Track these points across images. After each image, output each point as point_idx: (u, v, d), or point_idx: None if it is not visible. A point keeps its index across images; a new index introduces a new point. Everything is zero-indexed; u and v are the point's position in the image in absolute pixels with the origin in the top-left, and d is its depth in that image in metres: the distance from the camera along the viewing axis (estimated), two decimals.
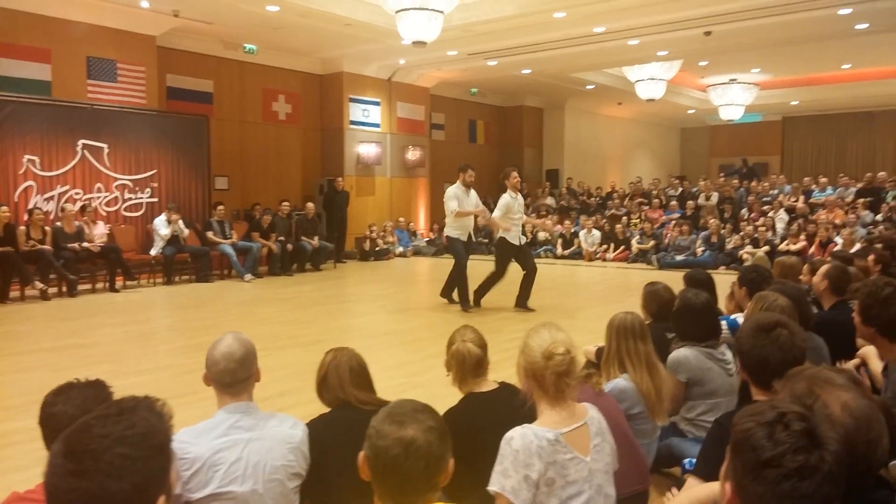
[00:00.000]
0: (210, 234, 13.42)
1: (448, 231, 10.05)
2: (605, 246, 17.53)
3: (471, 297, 9.76)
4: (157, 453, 1.40)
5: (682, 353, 3.88)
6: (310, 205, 15.49)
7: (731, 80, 21.85)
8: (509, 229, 9.50)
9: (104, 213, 12.71)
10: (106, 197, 12.79)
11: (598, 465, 2.46)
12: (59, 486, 1.33)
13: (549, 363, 2.42)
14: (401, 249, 17.94)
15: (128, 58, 13.14)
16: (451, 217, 9.81)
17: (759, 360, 2.53)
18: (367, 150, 17.73)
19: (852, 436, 1.64)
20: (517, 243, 9.57)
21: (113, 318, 9.59)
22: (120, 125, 12.90)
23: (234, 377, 2.58)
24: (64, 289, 11.08)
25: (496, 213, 9.56)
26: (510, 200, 9.52)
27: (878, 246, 8.74)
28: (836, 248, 12.57)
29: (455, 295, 9.94)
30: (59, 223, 11.40)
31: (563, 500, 2.36)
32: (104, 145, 12.68)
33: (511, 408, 2.64)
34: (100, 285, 11.73)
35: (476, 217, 10.33)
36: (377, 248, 17.29)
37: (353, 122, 17.59)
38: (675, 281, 5.29)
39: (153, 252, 12.61)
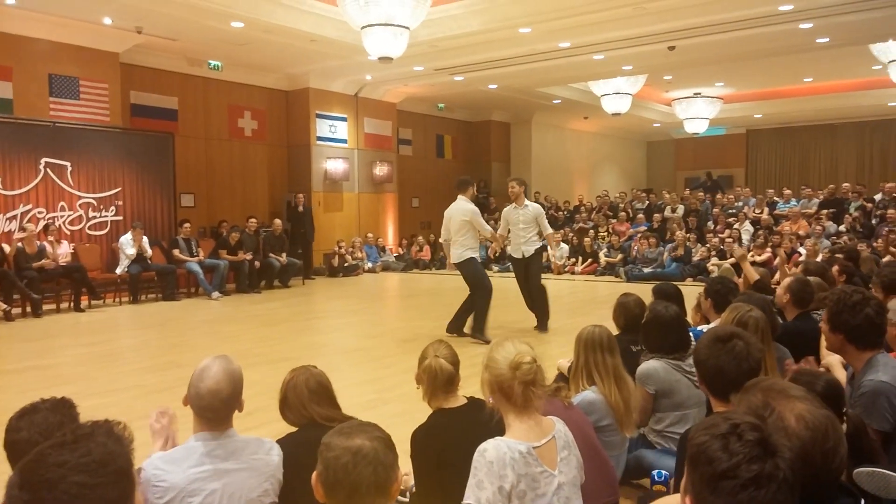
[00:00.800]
0: (176, 252, 13.28)
1: (464, 252, 8.82)
2: (573, 259, 17.62)
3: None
4: (117, 480, 1.38)
5: (650, 365, 3.90)
6: (277, 221, 15.44)
7: (695, 93, 22.16)
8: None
9: (68, 232, 12.52)
10: (70, 216, 12.60)
11: (566, 478, 2.48)
12: None
13: (516, 373, 2.44)
14: (370, 265, 17.88)
15: (91, 75, 12.99)
16: (472, 238, 8.91)
17: (715, 370, 2.57)
18: (335, 166, 17.68)
19: (808, 447, 1.66)
20: (517, 256, 9.36)
21: (78, 338, 9.44)
22: (83, 143, 12.73)
23: (216, 415, 2.51)
24: (28, 309, 10.89)
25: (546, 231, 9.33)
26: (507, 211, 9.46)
27: (840, 256, 8.88)
28: (800, 259, 12.75)
29: (466, 328, 8.88)
30: (20, 244, 11.19)
31: None
32: (67, 163, 12.50)
33: (479, 422, 2.65)
34: (64, 305, 11.55)
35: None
36: (346, 264, 17.22)
37: (319, 138, 17.54)
38: (643, 293, 5.31)
39: (118, 271, 12.44)
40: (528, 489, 2.35)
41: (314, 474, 1.87)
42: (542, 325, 9.20)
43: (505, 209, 9.47)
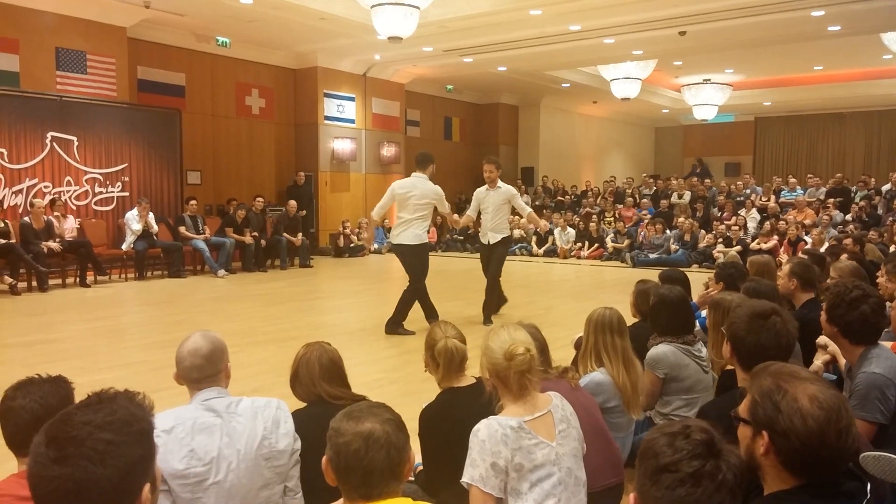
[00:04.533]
0: (182, 229, 13.28)
1: (423, 234, 8.27)
2: (579, 244, 17.61)
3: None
4: (140, 440, 1.41)
5: (660, 349, 3.91)
6: (292, 202, 15.46)
7: (704, 80, 22.03)
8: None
9: (74, 207, 12.52)
10: (76, 191, 12.60)
11: (566, 449, 2.52)
12: (42, 474, 1.33)
13: (511, 363, 2.49)
14: (376, 246, 17.88)
15: (98, 49, 12.94)
16: (427, 221, 8.30)
17: (755, 347, 2.57)
18: (342, 146, 17.65)
19: (823, 426, 1.67)
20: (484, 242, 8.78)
21: (83, 313, 9.46)
22: (90, 118, 12.70)
23: (201, 373, 2.55)
24: (34, 283, 10.91)
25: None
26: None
27: (848, 242, 8.85)
28: (805, 247, 12.72)
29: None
30: (26, 218, 11.21)
31: (534, 483, 2.41)
32: (74, 138, 12.49)
33: (487, 402, 2.66)
34: (70, 280, 11.57)
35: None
36: (352, 245, 17.22)
37: (327, 118, 17.50)
38: (649, 278, 5.31)
39: (124, 247, 12.46)
40: (524, 461, 2.40)
41: (324, 459, 1.88)
42: (486, 318, 8.55)
43: (476, 190, 8.85)
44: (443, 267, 15.48)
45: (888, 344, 3.80)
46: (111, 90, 13.16)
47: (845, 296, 3.08)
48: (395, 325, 8.01)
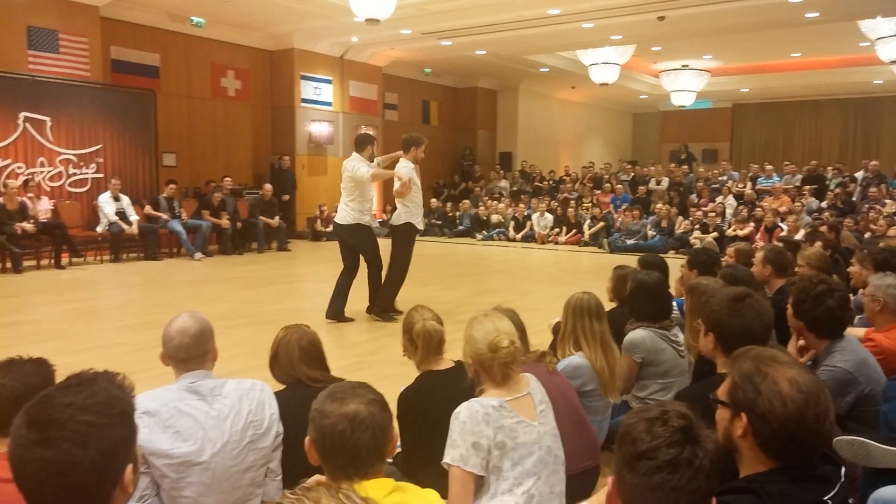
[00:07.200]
0: (148, 208, 13.12)
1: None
2: (556, 229, 17.66)
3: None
4: (122, 421, 1.41)
5: (637, 334, 3.94)
6: (267, 186, 15.35)
7: (683, 66, 22.10)
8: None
9: (48, 189, 12.35)
10: (49, 172, 12.43)
11: (546, 428, 2.57)
12: (24, 457, 1.33)
13: (495, 355, 2.51)
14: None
15: (70, 28, 12.71)
16: (361, 201, 7.74)
17: (743, 329, 2.58)
18: (319, 129, 17.53)
19: (802, 409, 1.70)
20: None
21: (59, 294, 9.37)
22: (63, 98, 12.51)
23: (188, 353, 2.54)
24: (8, 265, 10.78)
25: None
26: None
27: (824, 229, 8.94)
28: (781, 234, 12.85)
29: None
30: (0, 199, 11.05)
31: (515, 461, 2.44)
32: (47, 118, 12.29)
33: (466, 386, 2.67)
34: (45, 262, 11.44)
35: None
36: (329, 229, 17.14)
37: (304, 101, 17.36)
38: (627, 264, 5.34)
39: (99, 229, 12.32)
40: (506, 439, 2.43)
41: (307, 440, 1.88)
42: (372, 305, 7.96)
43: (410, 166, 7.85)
44: (420, 251, 15.46)
45: (861, 331, 3.86)
46: (84, 70, 12.94)
47: (810, 290, 3.11)
48: (384, 312, 7.79)
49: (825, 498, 1.72)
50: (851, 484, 2.24)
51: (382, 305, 7.87)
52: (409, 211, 7.76)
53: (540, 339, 4.71)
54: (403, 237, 7.92)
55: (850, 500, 1.87)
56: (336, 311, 7.76)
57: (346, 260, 7.91)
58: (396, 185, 7.59)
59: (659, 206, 16.57)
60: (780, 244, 6.63)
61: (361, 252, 7.85)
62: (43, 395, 1.40)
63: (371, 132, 18.46)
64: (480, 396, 2.52)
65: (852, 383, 2.99)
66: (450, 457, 2.41)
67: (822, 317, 3.09)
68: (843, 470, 1.85)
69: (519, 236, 17.84)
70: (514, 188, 21.34)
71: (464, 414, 2.43)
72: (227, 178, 14.76)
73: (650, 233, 15.93)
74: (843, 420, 2.96)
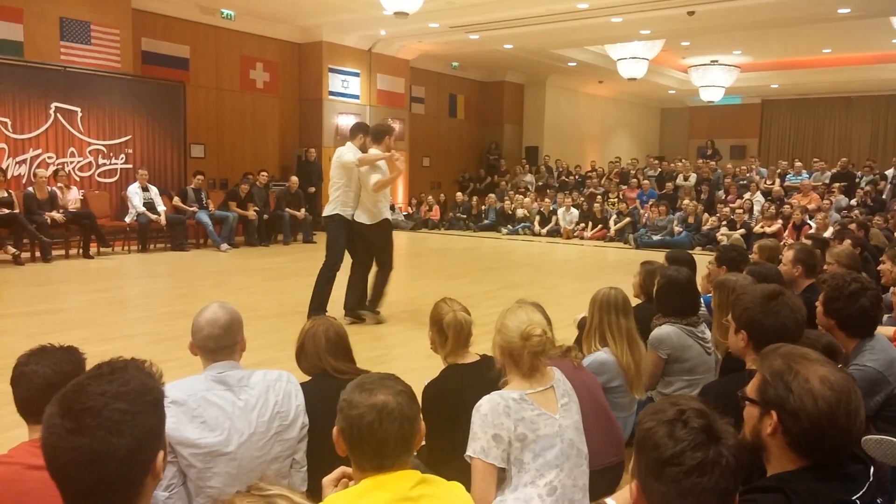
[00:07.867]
0: (176, 200, 13.29)
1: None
2: (582, 224, 17.58)
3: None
4: (153, 409, 1.43)
5: (664, 329, 3.91)
6: (293, 178, 15.42)
7: (712, 61, 21.89)
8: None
9: (77, 179, 12.50)
10: (79, 162, 12.58)
11: (568, 421, 2.55)
12: (59, 445, 1.34)
13: (526, 344, 2.50)
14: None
15: (102, 20, 12.85)
16: (347, 193, 7.34)
17: (778, 328, 2.55)
18: (346, 122, 17.54)
19: (833, 407, 1.68)
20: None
21: (87, 284, 9.48)
22: (94, 89, 12.66)
23: (218, 343, 2.55)
24: (37, 254, 10.93)
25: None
26: None
27: (853, 227, 8.81)
28: (810, 231, 12.70)
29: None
30: (30, 188, 11.20)
31: (537, 453, 2.44)
32: (77, 109, 12.45)
33: (491, 380, 2.67)
34: (73, 251, 11.58)
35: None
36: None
37: (332, 93, 17.41)
38: (654, 260, 5.30)
39: (127, 219, 12.46)
40: (527, 431, 2.43)
41: (335, 430, 1.89)
42: (349, 307, 7.51)
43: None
44: (445, 245, 15.48)
45: (890, 329, 3.81)
46: (115, 61, 13.08)
47: (844, 289, 3.07)
48: (352, 311, 7.42)
49: (853, 497, 1.71)
50: (880, 484, 2.21)
51: (350, 305, 7.47)
52: (383, 205, 7.43)
53: (565, 335, 4.68)
54: (384, 234, 7.52)
55: (879, 501, 1.84)
56: (351, 307, 7.48)
57: (350, 255, 7.67)
58: (374, 179, 7.14)
59: (686, 202, 16.46)
60: (809, 242, 6.55)
61: (326, 244, 7.53)
62: (76, 384, 1.40)
63: (395, 125, 18.55)
64: (503, 389, 2.53)
65: (882, 383, 2.95)
66: (471, 449, 2.42)
67: (855, 315, 3.05)
68: (871, 470, 1.83)
69: (544, 231, 17.80)
70: (540, 183, 21.26)
71: (485, 406, 2.43)
72: (264, 172, 14.87)
73: (676, 229, 15.81)
74: (873, 420, 2.92)
